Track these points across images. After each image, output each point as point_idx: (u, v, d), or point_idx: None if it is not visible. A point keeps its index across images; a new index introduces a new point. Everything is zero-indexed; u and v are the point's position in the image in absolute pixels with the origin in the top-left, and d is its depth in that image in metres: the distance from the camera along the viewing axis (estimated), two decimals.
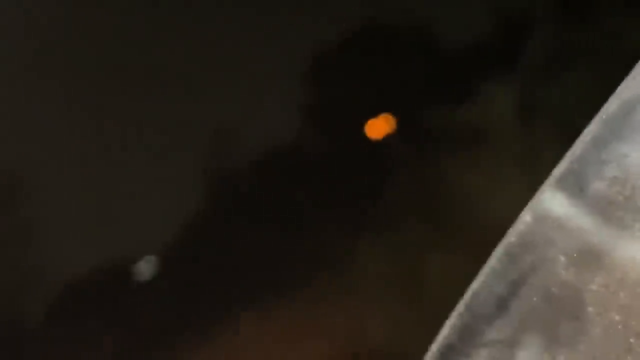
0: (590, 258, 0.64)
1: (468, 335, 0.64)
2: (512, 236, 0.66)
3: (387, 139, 4.94)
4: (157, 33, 4.45)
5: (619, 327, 0.63)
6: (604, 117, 0.66)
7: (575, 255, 0.63)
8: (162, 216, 4.54)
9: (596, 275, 0.63)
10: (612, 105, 0.66)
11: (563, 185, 0.64)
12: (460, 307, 0.65)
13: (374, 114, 4.65)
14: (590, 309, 0.64)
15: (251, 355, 4.00)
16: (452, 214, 4.25)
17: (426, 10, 4.57)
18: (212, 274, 4.40)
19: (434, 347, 0.66)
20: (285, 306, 4.16)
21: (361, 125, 4.83)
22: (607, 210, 0.64)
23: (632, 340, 0.62)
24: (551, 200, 0.63)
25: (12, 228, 4.53)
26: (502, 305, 0.64)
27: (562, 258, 0.64)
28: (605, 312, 0.63)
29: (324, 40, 4.73)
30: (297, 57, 4.75)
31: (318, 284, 4.27)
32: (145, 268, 4.53)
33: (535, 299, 0.64)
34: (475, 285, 0.66)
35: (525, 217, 0.66)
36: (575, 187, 0.65)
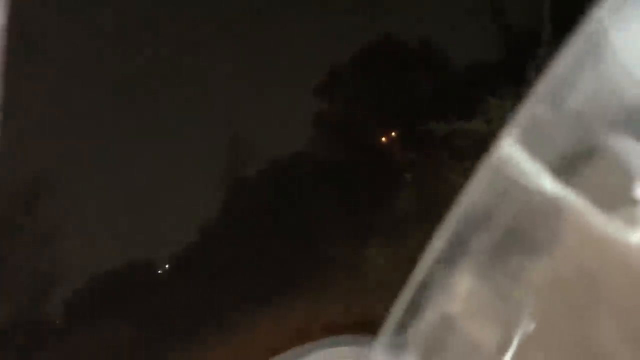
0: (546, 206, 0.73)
1: (457, 245, 0.74)
2: (491, 160, 0.75)
3: (395, 150, 5.07)
4: (177, 47, 4.60)
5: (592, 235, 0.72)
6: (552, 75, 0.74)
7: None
8: (179, 219, 4.68)
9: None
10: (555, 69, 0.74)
11: (522, 134, 0.73)
12: (450, 218, 0.74)
13: (384, 125, 4.79)
14: (564, 221, 0.73)
15: (264, 350, 4.10)
16: None
17: (434, 29, 4.71)
18: (228, 275, 4.50)
19: (428, 258, 0.75)
20: (296, 306, 4.26)
21: (371, 136, 4.97)
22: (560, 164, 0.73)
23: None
24: (511, 147, 0.72)
25: (36, 228, 4.67)
26: (486, 216, 0.74)
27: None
28: (577, 226, 0.72)
29: (337, 54, 4.88)
30: (311, 71, 4.89)
31: (329, 286, 4.37)
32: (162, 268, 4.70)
33: (515, 211, 0.73)
34: (462, 198, 0.75)
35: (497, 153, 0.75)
36: (534, 136, 0.73)
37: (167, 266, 4.63)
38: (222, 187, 4.89)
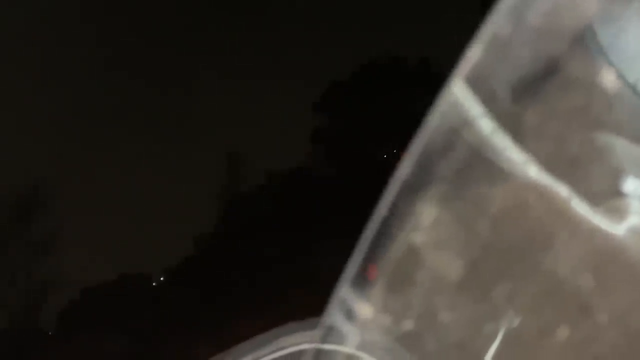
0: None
1: (420, 173, 0.74)
2: (442, 100, 0.75)
3: (395, 166, 5.05)
4: (176, 62, 4.63)
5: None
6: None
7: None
8: (176, 233, 4.68)
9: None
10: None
11: (471, 80, 0.72)
12: (415, 146, 0.74)
13: (383, 141, 4.78)
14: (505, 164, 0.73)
15: None
16: None
17: (433, 47, 4.72)
18: (222, 289, 4.49)
19: (394, 187, 0.75)
20: (290, 319, 4.24)
21: (371, 152, 4.96)
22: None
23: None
24: (460, 92, 0.72)
25: (32, 240, 4.66)
26: (447, 145, 0.74)
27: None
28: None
29: (337, 71, 4.91)
30: (310, 87, 4.92)
31: (321, 301, 4.35)
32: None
33: (470, 147, 0.73)
34: (426, 126, 0.74)
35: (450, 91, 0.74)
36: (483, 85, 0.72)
37: (162, 278, 4.63)
38: (219, 201, 4.88)
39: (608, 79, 0.71)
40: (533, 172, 0.67)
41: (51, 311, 4.58)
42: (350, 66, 5.04)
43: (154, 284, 4.81)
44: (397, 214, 0.71)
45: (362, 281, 0.78)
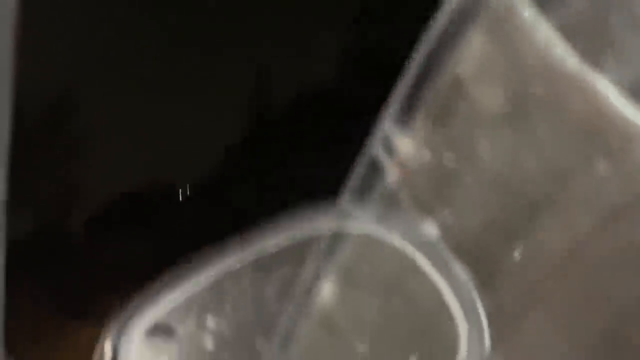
0: None
1: (471, 1, 0.74)
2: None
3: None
4: None
5: None
6: None
7: None
8: (201, 144, 4.68)
9: None
10: None
11: None
12: None
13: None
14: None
15: None
16: None
17: None
18: (242, 200, 4.54)
19: (441, 19, 0.75)
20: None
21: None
22: None
23: None
24: None
25: (59, 144, 4.71)
26: None
27: None
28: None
29: None
30: (345, 4, 4.87)
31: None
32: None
33: None
34: None
35: None
36: None
37: (189, 191, 4.67)
38: (245, 116, 4.88)
39: None
40: (571, 64, 0.65)
41: (78, 218, 4.65)
42: None
43: (181, 195, 4.86)
44: (444, 43, 0.71)
45: (404, 116, 0.78)
